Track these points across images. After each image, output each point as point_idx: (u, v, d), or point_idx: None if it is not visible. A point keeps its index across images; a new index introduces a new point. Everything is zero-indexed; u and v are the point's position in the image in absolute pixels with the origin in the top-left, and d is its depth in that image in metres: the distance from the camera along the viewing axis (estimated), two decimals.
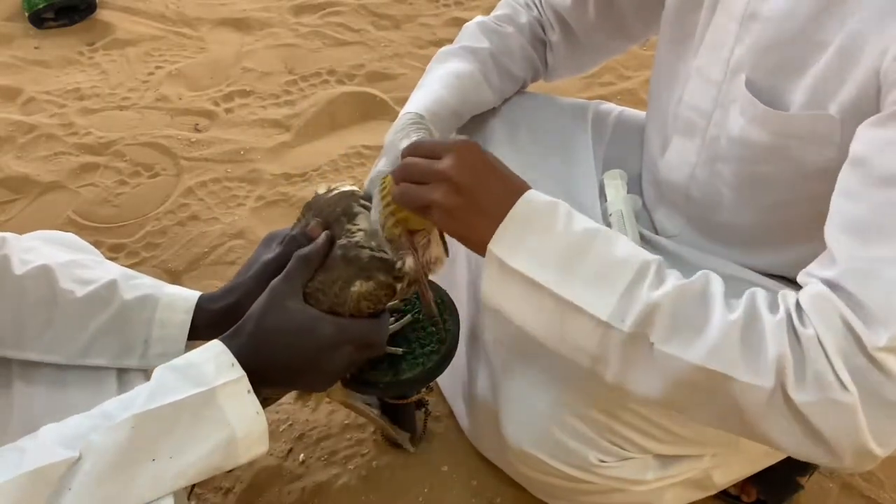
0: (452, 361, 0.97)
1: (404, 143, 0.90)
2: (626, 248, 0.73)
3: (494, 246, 0.74)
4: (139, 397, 0.70)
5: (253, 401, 0.73)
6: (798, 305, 0.68)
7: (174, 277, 1.54)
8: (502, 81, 1.10)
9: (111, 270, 0.88)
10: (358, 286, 0.81)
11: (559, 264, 0.72)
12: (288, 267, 0.82)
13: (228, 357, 0.74)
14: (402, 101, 1.95)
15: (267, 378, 0.77)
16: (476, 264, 1.03)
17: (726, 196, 0.92)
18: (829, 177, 0.72)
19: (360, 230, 0.83)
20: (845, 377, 0.63)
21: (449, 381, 1.21)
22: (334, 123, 1.95)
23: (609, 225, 1.04)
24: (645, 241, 1.03)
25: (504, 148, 1.10)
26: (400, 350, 0.96)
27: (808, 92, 0.77)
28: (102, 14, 2.31)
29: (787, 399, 0.65)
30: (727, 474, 1.04)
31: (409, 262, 0.82)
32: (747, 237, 0.95)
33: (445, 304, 1.00)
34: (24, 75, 2.09)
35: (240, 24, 2.32)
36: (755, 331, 0.67)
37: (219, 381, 0.72)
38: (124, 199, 1.72)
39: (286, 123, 1.94)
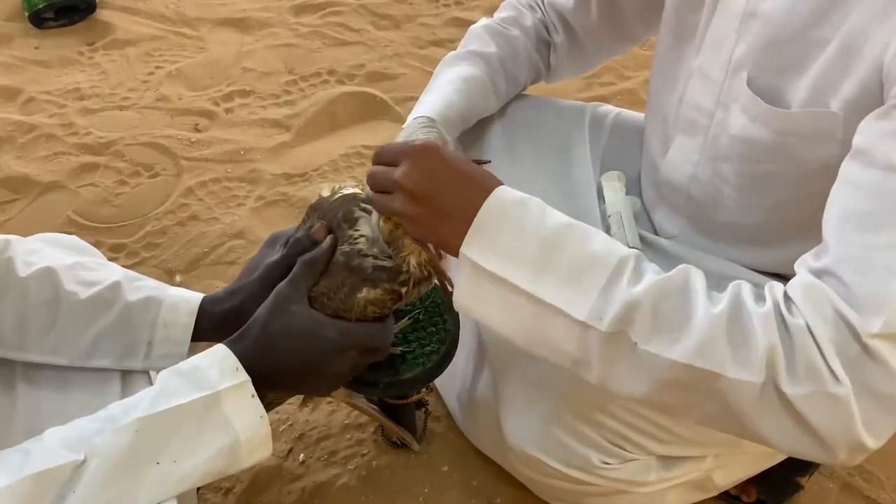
0: (451, 361, 0.98)
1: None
2: (602, 243, 0.70)
3: (466, 248, 0.71)
4: (143, 401, 0.70)
5: (257, 405, 0.74)
6: (786, 296, 0.65)
7: (174, 277, 1.54)
8: (507, 87, 1.10)
9: (114, 272, 0.88)
10: (365, 293, 0.82)
11: (534, 263, 0.69)
12: (293, 271, 0.82)
13: (233, 361, 0.74)
14: (402, 101, 1.98)
15: (271, 382, 0.77)
16: None
17: (728, 195, 0.92)
18: (830, 174, 0.72)
19: (361, 236, 0.82)
20: (838, 369, 0.61)
21: (446, 381, 1.22)
22: (334, 123, 1.95)
23: (608, 227, 1.04)
24: (644, 243, 1.03)
25: (501, 151, 1.10)
26: (400, 350, 0.96)
27: (809, 89, 0.77)
28: (102, 14, 2.31)
29: (780, 393, 0.62)
30: (728, 475, 1.04)
31: (413, 263, 0.81)
32: (748, 236, 0.95)
33: (446, 305, 1.01)
34: (24, 75, 2.09)
35: (240, 24, 2.32)
36: (741, 324, 0.64)
37: (223, 385, 0.72)
38: (124, 199, 1.72)
39: (286, 123, 1.94)
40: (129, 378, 0.86)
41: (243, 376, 0.73)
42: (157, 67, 2.14)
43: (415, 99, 2.04)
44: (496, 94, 1.08)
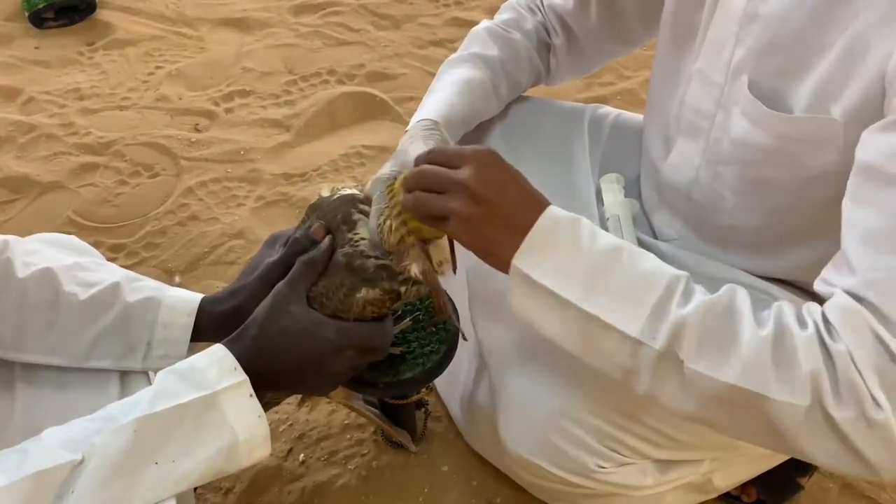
0: (451, 364, 0.98)
1: (415, 148, 0.90)
2: (653, 263, 0.72)
3: (518, 260, 0.73)
4: (142, 401, 0.70)
5: (255, 405, 0.74)
6: (825, 319, 0.66)
7: (174, 277, 1.54)
8: (508, 90, 1.10)
9: (114, 273, 0.88)
10: (364, 293, 0.82)
11: (586, 281, 0.71)
12: (292, 271, 0.82)
13: (231, 361, 0.74)
14: (402, 101, 1.98)
15: (270, 382, 0.77)
16: (473, 268, 1.03)
17: (728, 199, 0.92)
18: (830, 181, 0.72)
19: (362, 239, 0.82)
20: (878, 393, 0.62)
21: (446, 383, 1.22)
22: (334, 123, 1.95)
23: (606, 229, 1.04)
24: (643, 246, 1.03)
25: (501, 153, 1.09)
26: (399, 350, 0.96)
27: (811, 94, 0.77)
28: (102, 14, 2.31)
29: (827, 416, 0.64)
30: (728, 477, 1.04)
31: (415, 268, 0.81)
32: (748, 241, 0.95)
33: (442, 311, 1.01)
34: (24, 75, 2.09)
35: (240, 24, 2.32)
36: (786, 347, 0.65)
37: (221, 385, 0.72)
38: (124, 199, 1.72)
39: (286, 123, 1.94)
40: (128, 378, 0.86)
41: (241, 376, 0.73)
42: (157, 67, 2.14)
43: (415, 99, 2.05)
44: (497, 97, 1.08)
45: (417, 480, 1.17)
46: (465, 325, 0.99)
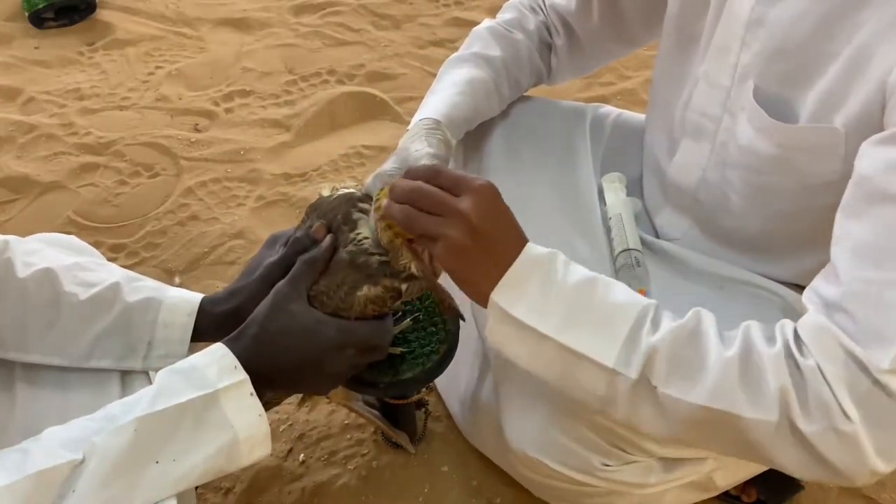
0: (451, 364, 0.98)
1: (417, 147, 0.90)
2: (624, 294, 0.73)
3: (497, 295, 0.74)
4: (142, 400, 0.70)
5: (255, 404, 0.74)
6: (797, 335, 0.68)
7: (174, 277, 1.54)
8: (510, 91, 1.10)
9: (114, 273, 0.88)
10: (365, 290, 0.82)
11: (562, 315, 0.73)
12: (293, 270, 0.82)
13: (231, 360, 0.74)
14: (402, 101, 1.98)
15: (270, 381, 0.77)
16: None
17: (734, 202, 0.92)
18: (833, 189, 0.72)
19: (365, 238, 0.82)
20: (848, 406, 0.63)
21: (446, 382, 1.22)
22: (334, 123, 1.95)
23: (609, 228, 1.04)
24: (645, 245, 1.03)
25: (503, 153, 1.10)
26: (400, 350, 0.96)
27: (816, 102, 0.77)
28: (102, 14, 2.31)
29: (795, 430, 0.66)
30: (729, 476, 1.04)
31: (415, 265, 0.81)
32: (753, 243, 0.95)
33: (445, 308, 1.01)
34: (24, 75, 2.09)
35: (240, 24, 2.32)
36: (753, 365, 0.67)
37: (221, 384, 0.72)
38: (124, 199, 1.72)
39: (286, 123, 1.94)
40: (129, 378, 0.86)
41: (242, 375, 0.73)
42: (157, 67, 2.14)
43: (415, 99, 2.05)
44: (499, 97, 1.08)
45: (417, 480, 1.17)
46: (465, 324, 0.99)
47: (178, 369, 0.73)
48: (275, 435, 1.22)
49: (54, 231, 1.44)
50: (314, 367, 0.80)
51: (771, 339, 0.69)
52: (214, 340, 0.78)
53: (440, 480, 1.17)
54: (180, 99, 2.02)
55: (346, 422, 1.25)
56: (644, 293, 0.97)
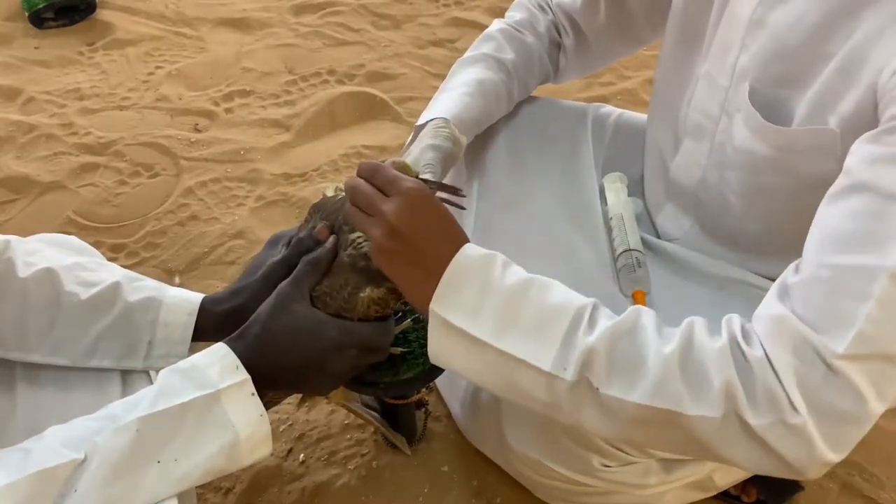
0: None
1: (419, 147, 0.90)
2: (560, 294, 0.72)
3: (436, 305, 0.73)
4: (144, 400, 0.70)
5: (256, 403, 0.74)
6: (745, 328, 0.67)
7: (174, 277, 1.54)
8: (519, 93, 1.10)
9: (114, 273, 0.88)
10: (368, 292, 0.82)
11: (496, 319, 0.71)
12: (296, 271, 0.82)
13: (233, 360, 0.74)
14: (402, 101, 1.99)
15: (272, 381, 0.77)
16: None
17: (734, 203, 0.92)
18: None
19: (365, 240, 0.82)
20: (796, 398, 0.62)
21: (447, 382, 1.22)
22: (334, 123, 1.95)
23: (610, 228, 1.04)
24: (646, 246, 1.03)
25: (505, 153, 1.10)
26: (400, 350, 0.96)
27: (810, 104, 0.77)
28: (102, 14, 2.31)
29: (744, 424, 0.64)
30: (729, 475, 1.04)
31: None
32: (754, 243, 0.95)
33: None
34: (24, 75, 2.09)
35: (240, 24, 2.32)
36: (694, 360, 0.66)
37: (223, 384, 0.72)
38: (124, 199, 1.72)
39: (286, 123, 1.94)
40: (130, 378, 0.86)
41: (243, 375, 0.73)
42: (157, 67, 2.14)
43: (415, 99, 2.05)
44: (509, 100, 1.08)
45: (417, 480, 1.17)
46: None
47: (180, 369, 0.73)
48: (275, 435, 1.21)
49: (54, 231, 1.45)
50: (316, 367, 0.80)
51: (715, 332, 0.68)
52: (215, 340, 0.78)
53: (440, 480, 1.17)
54: (180, 99, 2.02)
55: (346, 422, 1.25)
56: (643, 295, 0.97)
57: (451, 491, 1.16)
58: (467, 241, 0.75)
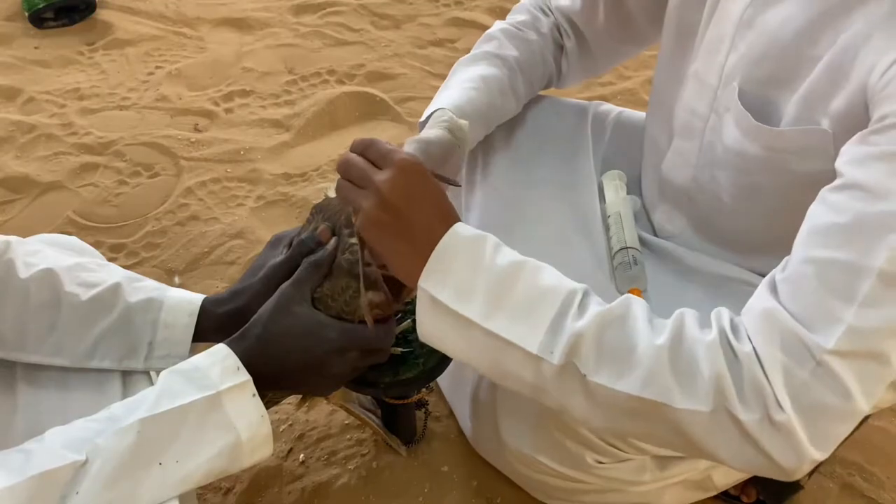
0: (456, 365, 0.98)
1: (423, 136, 0.89)
2: (551, 278, 0.71)
3: (424, 282, 0.72)
4: (145, 401, 0.70)
5: (257, 404, 0.74)
6: (734, 323, 0.67)
7: (174, 277, 1.54)
8: (525, 90, 1.09)
9: (115, 273, 0.88)
10: (370, 295, 0.82)
11: (486, 299, 0.71)
12: (298, 272, 0.82)
13: (234, 361, 0.74)
14: (402, 101, 1.99)
15: (272, 382, 0.77)
16: None
17: (725, 202, 0.92)
18: (822, 188, 0.72)
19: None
20: (781, 394, 0.62)
21: (452, 382, 1.22)
22: (334, 123, 1.95)
23: (608, 226, 1.04)
24: (644, 244, 1.03)
25: (504, 150, 1.10)
26: (399, 350, 0.96)
27: (799, 106, 0.77)
28: (102, 14, 2.31)
29: (734, 419, 0.64)
30: (728, 475, 1.04)
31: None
32: (748, 241, 0.95)
33: None
34: (24, 75, 2.09)
35: (240, 24, 2.32)
36: (685, 353, 0.66)
37: (224, 385, 0.72)
38: (124, 199, 1.72)
39: (286, 123, 1.94)
40: (130, 379, 0.86)
41: (244, 376, 0.73)
42: (157, 67, 2.14)
43: (415, 99, 2.05)
44: (515, 97, 1.07)
45: (417, 480, 1.17)
46: None
47: (181, 370, 0.73)
48: (275, 435, 1.21)
49: (54, 231, 1.45)
50: (317, 368, 0.80)
51: (706, 326, 0.68)
52: (216, 341, 0.78)
53: (440, 480, 1.17)
54: (180, 99, 2.02)
55: (346, 422, 1.25)
56: (639, 293, 0.97)
57: (451, 491, 1.16)
58: (459, 220, 0.74)
